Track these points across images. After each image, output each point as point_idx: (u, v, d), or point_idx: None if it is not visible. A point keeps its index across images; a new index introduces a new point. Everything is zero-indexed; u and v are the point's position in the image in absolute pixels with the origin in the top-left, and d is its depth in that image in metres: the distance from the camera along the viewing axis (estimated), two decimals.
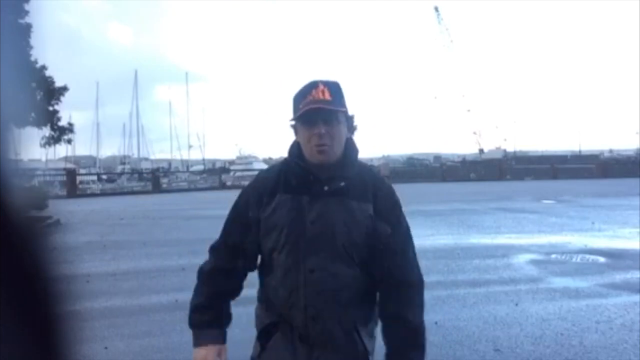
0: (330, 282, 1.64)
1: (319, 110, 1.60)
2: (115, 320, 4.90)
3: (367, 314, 1.75)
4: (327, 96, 1.62)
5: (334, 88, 1.66)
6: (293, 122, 1.70)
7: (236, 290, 1.85)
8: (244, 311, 5.77)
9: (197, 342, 1.74)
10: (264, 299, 1.81)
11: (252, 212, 1.72)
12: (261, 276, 1.82)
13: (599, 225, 11.06)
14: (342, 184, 1.65)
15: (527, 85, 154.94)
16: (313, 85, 1.65)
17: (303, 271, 1.64)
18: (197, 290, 1.81)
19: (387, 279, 1.68)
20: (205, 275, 1.81)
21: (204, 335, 1.74)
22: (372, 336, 1.77)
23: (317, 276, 1.63)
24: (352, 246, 1.64)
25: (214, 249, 1.85)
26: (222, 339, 1.78)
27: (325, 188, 1.65)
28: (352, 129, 1.76)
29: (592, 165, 39.10)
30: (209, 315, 1.77)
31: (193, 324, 1.77)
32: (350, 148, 1.71)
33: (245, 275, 1.85)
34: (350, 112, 1.72)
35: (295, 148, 1.72)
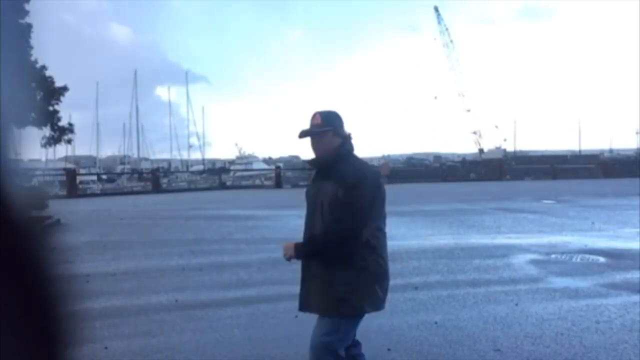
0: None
1: (313, 131, 2.83)
2: (115, 320, 4.89)
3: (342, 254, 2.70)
4: (319, 121, 2.82)
5: (325, 116, 2.84)
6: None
7: None
8: (244, 311, 5.78)
9: None
10: None
11: None
12: None
13: (599, 225, 11.06)
14: (317, 171, 2.93)
15: (527, 85, 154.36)
16: (313, 115, 2.86)
17: (311, 225, 2.82)
18: None
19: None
20: None
21: None
22: (346, 267, 2.67)
23: (316, 229, 2.76)
24: (324, 210, 2.72)
25: None
26: None
27: (318, 175, 2.90)
28: (342, 138, 2.85)
29: (592, 165, 39.04)
30: None
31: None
32: (335, 153, 2.81)
33: None
34: (343, 129, 2.89)
35: None
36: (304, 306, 2.82)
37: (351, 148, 2.88)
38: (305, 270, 2.83)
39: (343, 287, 2.65)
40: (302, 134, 2.84)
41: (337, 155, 2.79)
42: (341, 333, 2.72)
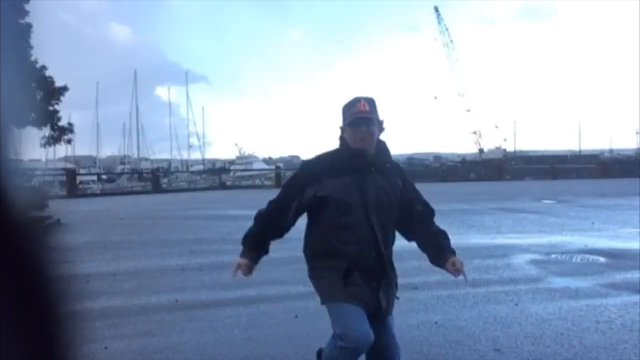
0: (384, 232, 2.58)
1: (362, 117, 2.51)
2: (115, 320, 4.89)
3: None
4: (367, 108, 2.52)
5: (371, 102, 2.55)
6: (342, 125, 2.59)
7: (281, 231, 2.68)
8: (244, 311, 5.78)
9: (241, 255, 2.68)
10: (332, 251, 2.56)
11: (309, 185, 2.54)
12: (324, 236, 2.60)
13: (599, 225, 11.05)
14: (388, 165, 2.63)
15: (527, 85, 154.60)
16: (357, 100, 2.54)
17: (369, 226, 2.52)
18: (254, 222, 2.68)
19: (419, 212, 2.71)
20: (261, 214, 2.67)
21: (246, 252, 2.67)
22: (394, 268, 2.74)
23: (377, 228, 2.53)
24: (391, 206, 2.60)
25: (270, 201, 2.68)
26: (254, 260, 2.68)
27: (372, 169, 2.55)
28: (381, 129, 2.61)
29: (592, 165, 39.04)
30: (254, 242, 2.67)
31: (243, 242, 2.70)
32: (383, 146, 2.62)
33: (287, 227, 2.66)
34: (380, 118, 2.60)
35: (344, 141, 2.60)
36: (384, 315, 2.69)
37: None
38: (379, 279, 2.63)
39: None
40: (362, 121, 2.51)
41: (387, 150, 2.66)
42: None
